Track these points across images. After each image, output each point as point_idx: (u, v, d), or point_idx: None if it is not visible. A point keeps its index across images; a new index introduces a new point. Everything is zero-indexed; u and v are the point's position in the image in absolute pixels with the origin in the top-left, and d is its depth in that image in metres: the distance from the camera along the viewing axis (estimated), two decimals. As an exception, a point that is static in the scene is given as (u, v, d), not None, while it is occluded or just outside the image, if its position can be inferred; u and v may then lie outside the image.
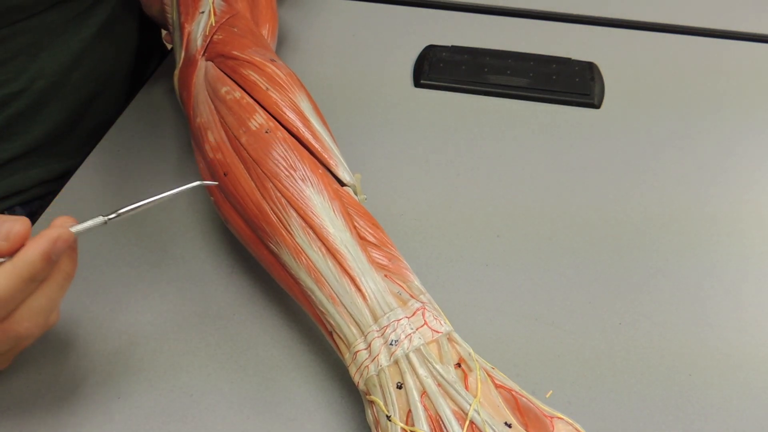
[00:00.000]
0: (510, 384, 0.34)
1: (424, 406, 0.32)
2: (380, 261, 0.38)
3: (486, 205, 0.51)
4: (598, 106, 0.60)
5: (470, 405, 0.32)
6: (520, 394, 0.33)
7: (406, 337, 0.34)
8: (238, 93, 0.44)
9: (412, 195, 0.51)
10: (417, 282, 0.38)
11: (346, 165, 0.42)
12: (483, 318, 0.43)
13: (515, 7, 0.73)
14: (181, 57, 0.51)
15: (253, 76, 0.45)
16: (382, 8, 0.73)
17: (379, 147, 0.56)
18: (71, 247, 0.34)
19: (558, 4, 0.73)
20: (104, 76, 0.60)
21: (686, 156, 0.55)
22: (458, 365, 0.34)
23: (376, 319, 0.35)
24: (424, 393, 0.33)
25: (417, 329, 0.34)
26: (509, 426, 0.32)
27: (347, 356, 0.36)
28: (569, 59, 0.64)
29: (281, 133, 0.41)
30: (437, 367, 0.33)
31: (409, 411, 0.32)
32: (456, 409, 0.32)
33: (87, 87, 0.58)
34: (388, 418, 0.32)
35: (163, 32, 0.67)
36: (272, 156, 0.40)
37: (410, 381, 0.33)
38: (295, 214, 0.38)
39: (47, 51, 0.54)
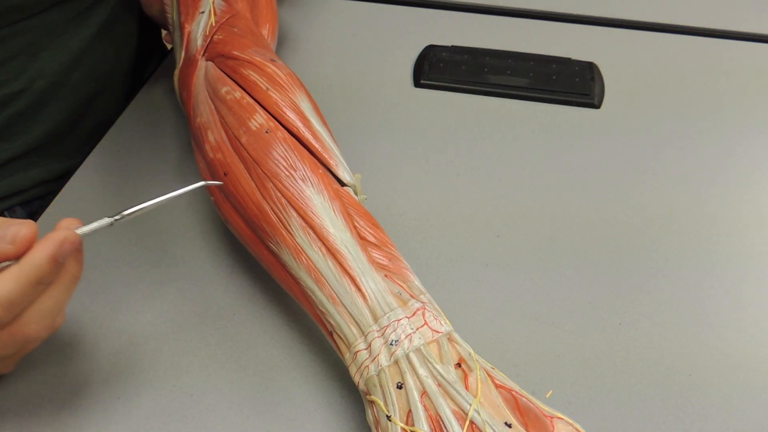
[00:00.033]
0: (510, 384, 0.34)
1: (425, 406, 0.32)
2: (380, 261, 0.38)
3: (486, 205, 0.51)
4: (598, 106, 0.60)
5: (470, 405, 0.32)
6: (520, 394, 0.33)
7: (406, 337, 0.34)
8: (239, 93, 0.44)
9: (412, 195, 0.51)
10: (417, 282, 0.38)
11: (346, 165, 0.42)
12: (483, 318, 0.43)
13: (515, 7, 0.73)
14: (181, 57, 0.51)
15: (254, 76, 0.45)
16: (382, 8, 0.73)
17: (379, 147, 0.56)
18: (77, 249, 0.34)
19: (558, 4, 0.73)
20: (104, 76, 0.60)
21: (686, 156, 0.55)
22: (458, 365, 0.34)
23: (376, 319, 0.35)
24: (424, 393, 0.33)
25: (417, 329, 0.34)
26: (509, 426, 0.32)
27: (347, 356, 0.36)
28: (569, 59, 0.64)
29: (281, 133, 0.41)
30: (437, 367, 0.33)
31: (410, 411, 0.32)
32: (456, 409, 0.32)
33: (87, 87, 0.58)
34: (389, 418, 0.32)
35: (163, 32, 0.67)
36: (272, 156, 0.40)
37: (410, 381, 0.33)
38: (295, 214, 0.38)
39: (47, 51, 0.54)
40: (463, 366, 0.34)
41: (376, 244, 0.39)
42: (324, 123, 0.45)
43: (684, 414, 0.39)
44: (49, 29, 0.54)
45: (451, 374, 0.33)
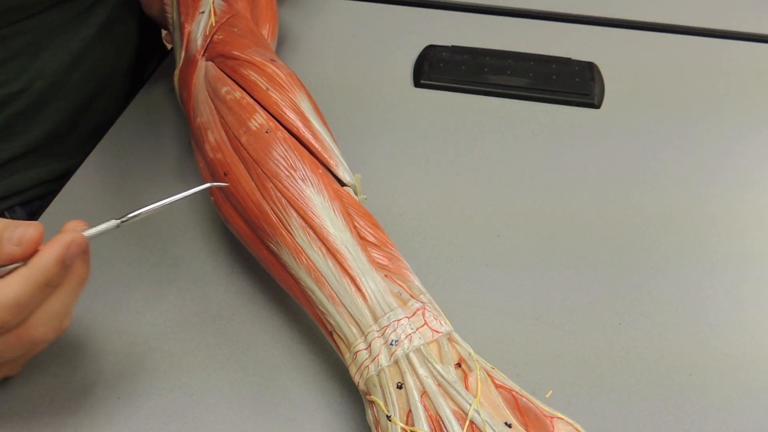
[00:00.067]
0: (510, 384, 0.34)
1: (425, 406, 0.32)
2: (380, 261, 0.38)
3: (486, 205, 0.51)
4: (598, 106, 0.60)
5: (470, 405, 0.32)
6: (520, 394, 0.33)
7: (406, 337, 0.34)
8: (239, 93, 0.44)
9: (412, 195, 0.51)
10: (417, 282, 0.38)
11: (346, 165, 0.42)
12: (483, 318, 0.43)
13: (515, 7, 0.73)
14: (181, 57, 0.51)
15: (254, 76, 0.45)
16: (382, 8, 0.73)
17: (379, 147, 0.56)
18: (84, 251, 0.34)
19: (558, 4, 0.73)
20: (104, 76, 0.60)
21: (686, 156, 0.55)
22: (458, 365, 0.34)
23: (376, 319, 0.35)
24: (424, 393, 0.33)
25: (417, 329, 0.34)
26: (509, 426, 0.32)
27: (347, 356, 0.36)
28: (569, 59, 0.64)
29: (281, 133, 0.41)
30: (437, 367, 0.33)
31: (410, 411, 0.32)
32: (456, 409, 0.32)
33: (87, 87, 0.58)
34: (389, 418, 0.32)
35: (163, 32, 0.67)
36: (272, 156, 0.40)
37: (410, 381, 0.33)
38: (295, 214, 0.38)
39: (47, 51, 0.54)
40: (463, 366, 0.34)
41: (376, 244, 0.39)
42: (324, 123, 0.45)
43: (684, 414, 0.39)
44: (49, 29, 0.54)
45: (451, 374, 0.33)
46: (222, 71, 0.46)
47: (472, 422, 0.31)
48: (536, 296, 0.45)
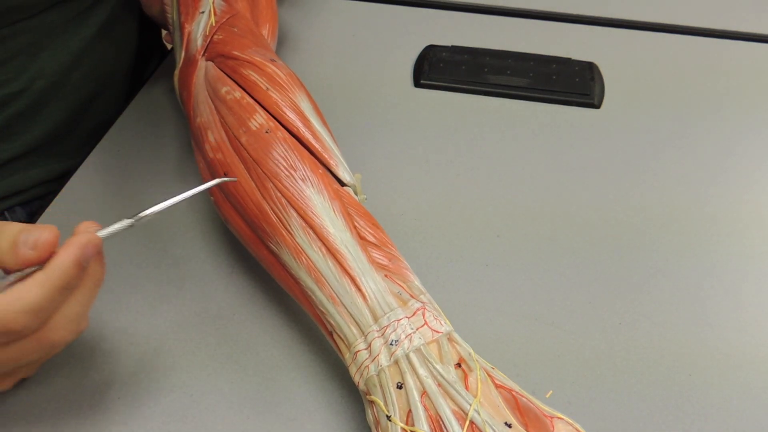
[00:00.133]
0: (510, 384, 0.34)
1: (425, 406, 0.32)
2: (380, 261, 0.38)
3: (486, 205, 0.51)
4: (598, 106, 0.60)
5: (470, 405, 0.32)
6: (520, 394, 0.33)
7: (406, 337, 0.34)
8: (239, 93, 0.44)
9: (412, 195, 0.51)
10: (417, 282, 0.38)
11: (346, 165, 0.42)
12: (483, 318, 0.43)
13: (515, 7, 0.73)
14: (181, 57, 0.51)
15: (254, 76, 0.45)
16: (382, 8, 0.73)
17: (379, 147, 0.56)
18: (98, 251, 0.34)
19: (558, 4, 0.73)
20: (104, 76, 0.60)
21: (686, 156, 0.55)
22: (458, 365, 0.34)
23: (376, 319, 0.35)
24: (424, 393, 0.33)
25: (417, 329, 0.34)
26: (509, 426, 0.32)
27: (347, 356, 0.36)
28: (569, 59, 0.64)
29: (281, 133, 0.41)
30: (437, 367, 0.33)
31: (410, 411, 0.32)
32: (456, 409, 0.32)
33: (87, 87, 0.58)
34: (389, 418, 0.32)
35: (163, 32, 0.67)
36: (272, 156, 0.40)
37: (410, 381, 0.33)
38: (295, 214, 0.38)
39: (47, 51, 0.54)
40: (463, 366, 0.34)
41: (376, 244, 0.39)
42: (324, 123, 0.45)
43: (684, 414, 0.39)
44: (49, 29, 0.54)
45: (451, 374, 0.33)
46: (222, 71, 0.46)
47: (472, 422, 0.31)
48: (536, 296, 0.45)
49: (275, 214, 0.39)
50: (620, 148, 0.56)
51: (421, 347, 0.34)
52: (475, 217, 0.50)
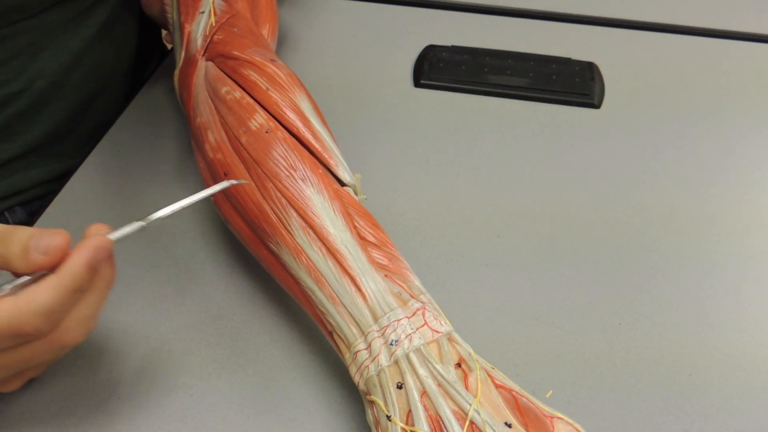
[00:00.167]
0: (510, 384, 0.34)
1: (425, 406, 0.32)
2: (380, 261, 0.38)
3: (486, 205, 0.51)
4: (598, 106, 0.60)
5: (470, 405, 0.32)
6: (520, 394, 0.33)
7: (406, 337, 0.34)
8: (239, 93, 0.44)
9: (412, 195, 0.51)
10: (417, 282, 0.38)
11: (346, 165, 0.42)
12: (483, 318, 0.43)
13: (515, 7, 0.73)
14: (181, 57, 0.51)
15: (254, 76, 0.45)
16: (382, 8, 0.73)
17: (379, 147, 0.56)
18: (109, 254, 0.34)
19: (558, 4, 0.73)
20: (104, 76, 0.60)
21: (686, 156, 0.55)
22: (458, 365, 0.34)
23: (376, 319, 0.35)
24: (424, 393, 0.33)
25: (417, 329, 0.34)
26: (509, 426, 0.32)
27: (347, 356, 0.36)
28: (569, 59, 0.64)
29: (281, 133, 0.41)
30: (437, 367, 0.33)
31: (410, 411, 0.32)
32: (456, 409, 0.32)
33: (87, 87, 0.58)
34: (389, 418, 0.32)
35: (163, 32, 0.67)
36: (272, 156, 0.40)
37: (410, 381, 0.33)
38: (295, 214, 0.38)
39: (47, 51, 0.54)
40: (463, 366, 0.34)
41: (376, 244, 0.39)
42: (324, 123, 0.45)
43: (684, 414, 0.39)
44: (49, 29, 0.54)
45: (451, 374, 0.33)
46: (222, 71, 0.46)
47: (472, 422, 0.31)
48: (536, 296, 0.45)
49: (275, 214, 0.39)
50: (620, 148, 0.56)
51: (421, 347, 0.34)
52: (475, 217, 0.50)
